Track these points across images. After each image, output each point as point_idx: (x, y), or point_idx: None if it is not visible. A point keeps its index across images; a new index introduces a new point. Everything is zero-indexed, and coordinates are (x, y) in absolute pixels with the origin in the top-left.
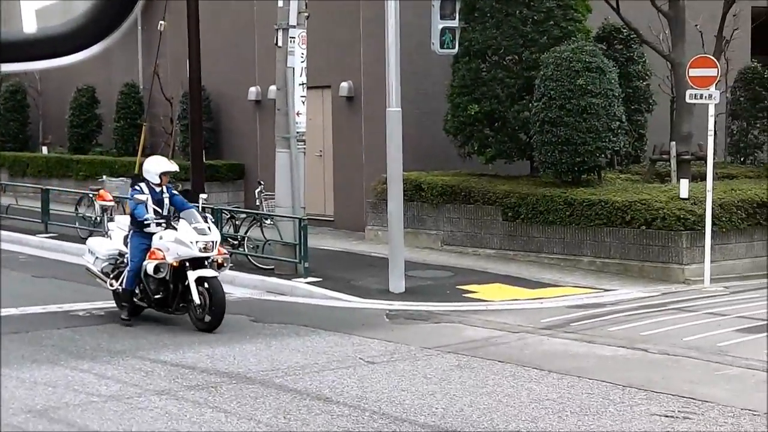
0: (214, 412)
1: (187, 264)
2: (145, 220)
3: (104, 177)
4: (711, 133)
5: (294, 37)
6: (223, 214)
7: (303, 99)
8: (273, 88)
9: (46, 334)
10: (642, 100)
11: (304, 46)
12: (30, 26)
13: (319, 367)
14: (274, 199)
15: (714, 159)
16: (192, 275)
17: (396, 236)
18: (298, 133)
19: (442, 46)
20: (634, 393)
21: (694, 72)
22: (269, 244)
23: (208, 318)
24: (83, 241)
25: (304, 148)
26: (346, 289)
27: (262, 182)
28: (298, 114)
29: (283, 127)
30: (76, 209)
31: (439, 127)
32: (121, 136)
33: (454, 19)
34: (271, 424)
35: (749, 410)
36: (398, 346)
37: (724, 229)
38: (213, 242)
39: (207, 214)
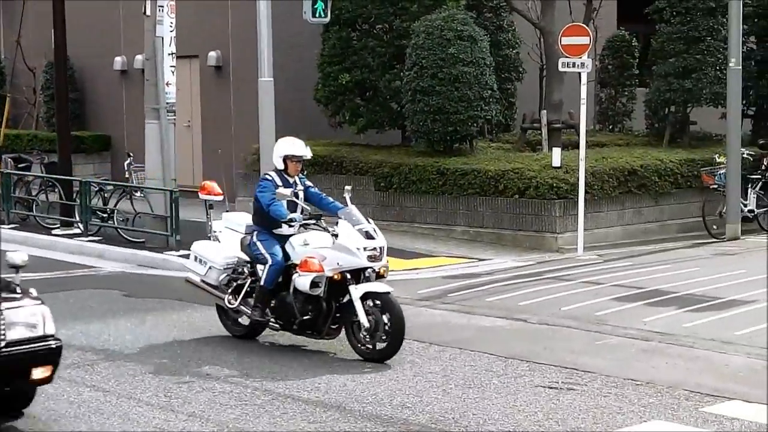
0: (92, 391)
1: (349, 277)
2: (291, 221)
3: None
4: (583, 101)
5: (163, 6)
6: (92, 187)
7: (173, 69)
8: (139, 57)
9: None
10: (512, 69)
11: (173, 15)
12: None
13: (198, 343)
14: (143, 170)
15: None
16: (356, 291)
17: None
18: (168, 104)
19: (313, 15)
20: (517, 364)
21: (566, 40)
22: (139, 216)
23: (380, 345)
24: None
25: (175, 119)
26: None
27: (131, 154)
28: (167, 84)
29: (153, 98)
30: None
31: (309, 97)
32: None
33: None
34: (151, 403)
35: (632, 380)
36: None
37: (596, 198)
38: (381, 248)
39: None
